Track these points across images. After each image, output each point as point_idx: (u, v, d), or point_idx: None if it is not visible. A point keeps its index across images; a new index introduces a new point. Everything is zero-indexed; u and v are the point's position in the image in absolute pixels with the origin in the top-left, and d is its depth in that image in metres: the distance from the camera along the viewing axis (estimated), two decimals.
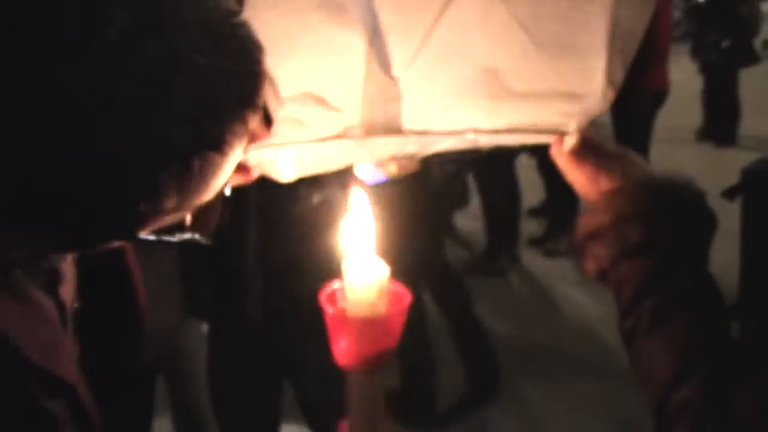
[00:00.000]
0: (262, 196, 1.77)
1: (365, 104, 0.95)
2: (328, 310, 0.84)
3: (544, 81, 0.92)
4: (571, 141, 0.93)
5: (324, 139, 0.97)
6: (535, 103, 0.93)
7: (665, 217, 0.84)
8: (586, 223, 0.88)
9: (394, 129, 0.96)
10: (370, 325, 0.83)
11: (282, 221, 1.81)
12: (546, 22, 0.89)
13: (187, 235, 0.87)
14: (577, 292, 4.35)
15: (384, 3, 0.89)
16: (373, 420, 0.86)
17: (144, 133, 0.63)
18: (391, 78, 0.93)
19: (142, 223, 0.70)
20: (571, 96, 0.92)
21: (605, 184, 0.89)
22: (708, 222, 0.86)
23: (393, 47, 0.91)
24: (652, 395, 0.81)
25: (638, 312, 0.83)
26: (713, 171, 7.40)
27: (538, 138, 0.95)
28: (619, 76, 0.92)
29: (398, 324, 0.85)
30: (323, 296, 0.86)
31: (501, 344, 3.50)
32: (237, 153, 0.72)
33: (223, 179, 0.73)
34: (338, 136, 0.96)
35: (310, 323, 1.83)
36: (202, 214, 0.82)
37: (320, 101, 0.94)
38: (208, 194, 0.73)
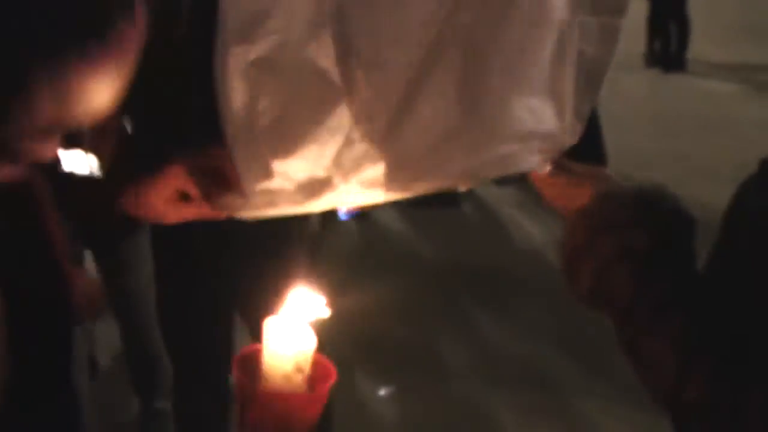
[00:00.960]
0: None
1: (347, 167, 0.97)
2: (238, 376, 0.72)
3: (522, 124, 0.94)
4: (544, 168, 0.97)
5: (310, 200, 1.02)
6: (514, 144, 0.95)
7: (637, 225, 0.84)
8: (565, 244, 0.88)
9: (378, 184, 0.98)
10: (282, 401, 0.70)
11: None
12: (519, 68, 0.92)
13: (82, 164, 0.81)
14: (525, 218, 4.42)
15: (366, 77, 0.92)
16: None
17: (11, 25, 0.60)
18: (372, 141, 0.95)
19: (18, 132, 0.66)
20: (545, 135, 0.95)
21: (578, 201, 0.90)
22: (685, 222, 0.86)
23: (373, 112, 0.94)
24: (661, 398, 0.81)
25: (634, 319, 0.82)
26: (661, 97, 7.46)
27: (515, 170, 0.99)
28: (587, 109, 0.96)
29: (316, 406, 0.73)
30: (236, 359, 0.74)
31: (450, 270, 3.53)
32: (122, 59, 0.68)
33: (105, 88, 0.68)
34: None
35: (252, 250, 1.87)
36: (97, 140, 0.78)
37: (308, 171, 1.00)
38: (90, 105, 0.68)
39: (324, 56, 0.93)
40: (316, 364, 0.74)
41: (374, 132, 0.95)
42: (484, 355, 3.20)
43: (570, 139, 0.96)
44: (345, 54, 0.92)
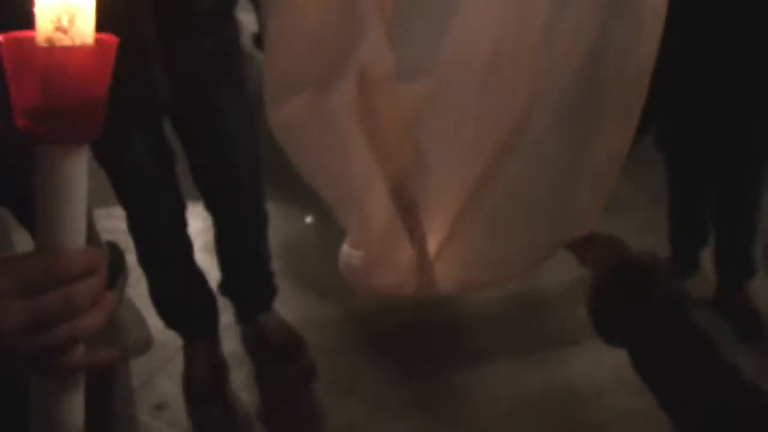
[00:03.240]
0: None
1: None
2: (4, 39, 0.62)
3: (551, 233, 1.04)
4: None
5: None
6: (540, 243, 1.05)
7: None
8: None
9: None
10: (62, 56, 0.62)
11: None
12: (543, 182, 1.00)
13: None
14: None
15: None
16: (65, 220, 0.65)
17: None
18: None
19: None
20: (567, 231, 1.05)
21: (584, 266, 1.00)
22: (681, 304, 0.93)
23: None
24: None
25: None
26: None
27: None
28: (602, 204, 1.04)
29: (103, 70, 0.65)
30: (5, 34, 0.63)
31: None
32: None
33: None
34: None
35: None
36: None
37: None
38: None
39: None
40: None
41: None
42: None
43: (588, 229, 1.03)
44: None
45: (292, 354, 2.27)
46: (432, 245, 0.99)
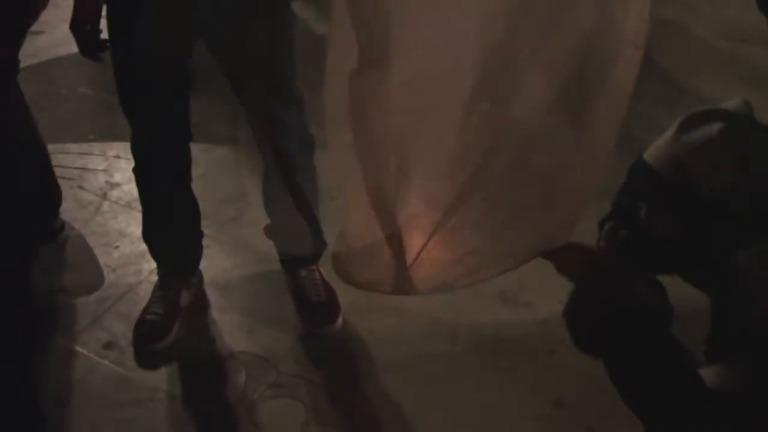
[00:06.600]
0: None
1: None
2: None
3: (526, 243, 1.07)
4: None
5: None
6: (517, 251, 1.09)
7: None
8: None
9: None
10: None
11: None
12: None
13: None
14: None
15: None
16: None
17: None
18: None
19: None
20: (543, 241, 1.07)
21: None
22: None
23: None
24: None
25: None
26: None
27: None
28: (581, 216, 1.08)
29: None
30: None
31: None
32: None
33: None
34: None
35: None
36: None
37: None
38: None
39: None
40: None
41: None
42: None
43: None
44: None
45: (323, 317, 2.23)
46: (410, 248, 1.02)
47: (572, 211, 1.06)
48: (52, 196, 2.46)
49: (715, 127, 0.92)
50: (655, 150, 0.99)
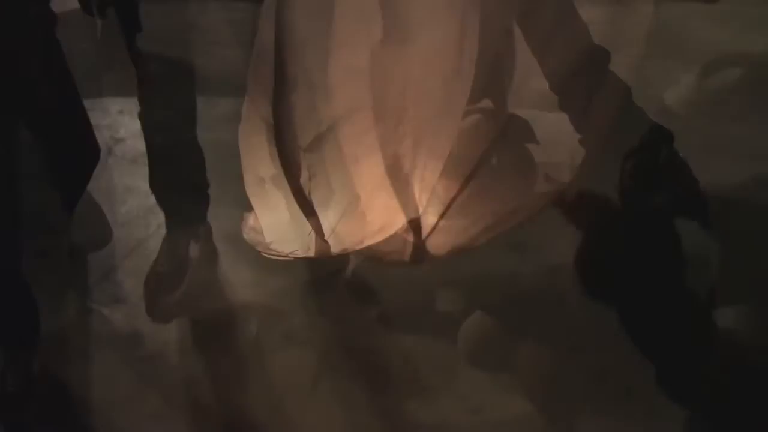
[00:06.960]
0: None
1: None
2: None
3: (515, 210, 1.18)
4: None
5: None
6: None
7: None
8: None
9: None
10: None
11: None
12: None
13: None
14: None
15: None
16: None
17: None
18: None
19: None
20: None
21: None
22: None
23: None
24: None
25: None
26: None
27: None
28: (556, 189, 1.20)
29: None
30: None
31: None
32: None
33: None
34: None
35: None
36: None
37: None
38: None
39: None
40: None
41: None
42: None
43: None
44: None
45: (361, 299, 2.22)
46: (426, 220, 1.14)
47: (574, 152, 1.09)
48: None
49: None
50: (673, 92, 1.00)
